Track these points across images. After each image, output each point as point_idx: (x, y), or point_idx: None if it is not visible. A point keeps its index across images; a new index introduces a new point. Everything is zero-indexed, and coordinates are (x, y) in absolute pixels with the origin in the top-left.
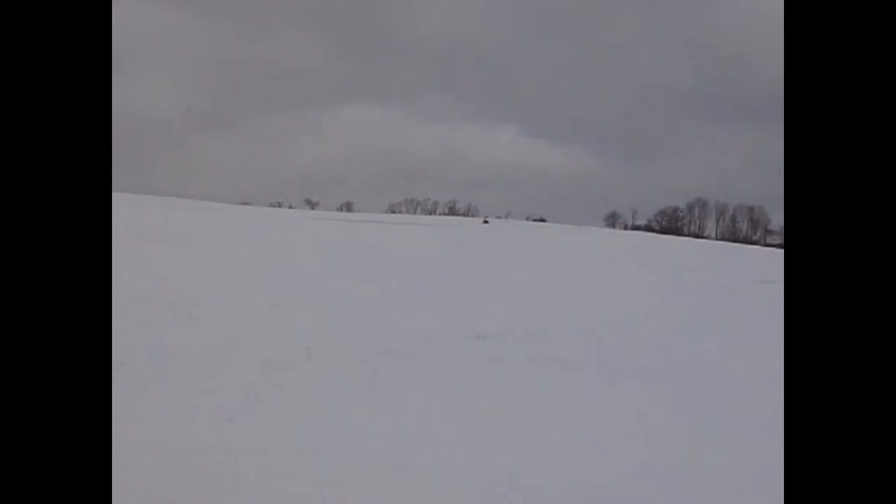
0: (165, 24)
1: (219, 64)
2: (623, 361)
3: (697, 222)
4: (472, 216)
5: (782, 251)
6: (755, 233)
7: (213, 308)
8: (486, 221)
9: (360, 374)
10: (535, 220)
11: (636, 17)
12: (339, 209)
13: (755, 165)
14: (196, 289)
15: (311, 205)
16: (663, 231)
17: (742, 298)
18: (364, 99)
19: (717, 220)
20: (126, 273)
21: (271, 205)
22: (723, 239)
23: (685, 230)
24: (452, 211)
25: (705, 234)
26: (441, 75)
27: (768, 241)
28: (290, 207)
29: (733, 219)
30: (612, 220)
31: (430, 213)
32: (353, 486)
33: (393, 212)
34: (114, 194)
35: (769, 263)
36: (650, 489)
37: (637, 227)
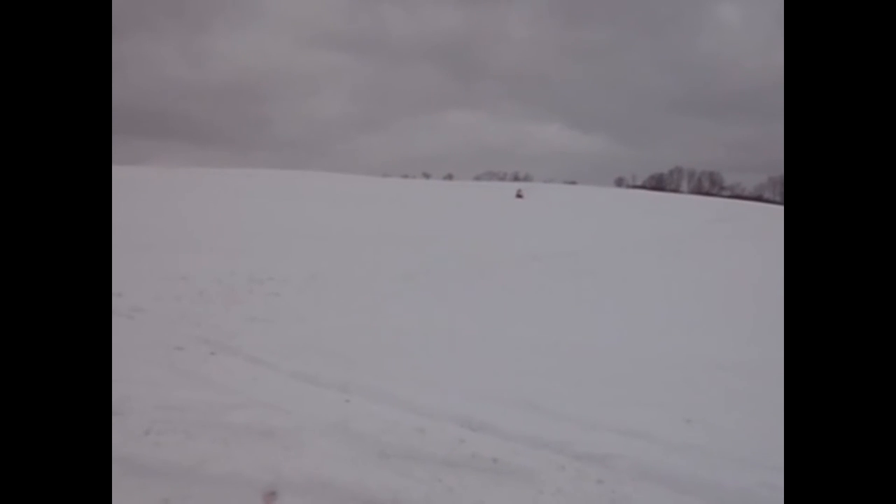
0: (341, 62)
1: (372, 86)
2: (627, 271)
3: (675, 182)
4: (529, 181)
5: (732, 200)
6: (714, 189)
7: (373, 241)
8: (519, 195)
9: (457, 280)
10: (569, 183)
11: (644, 44)
12: (444, 178)
13: (716, 144)
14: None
15: (426, 176)
16: (652, 189)
17: (703, 231)
18: (463, 107)
19: (688, 181)
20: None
21: (401, 176)
22: (692, 193)
23: (666, 188)
24: (516, 178)
25: (680, 191)
26: (513, 90)
27: (722, 194)
28: (412, 178)
29: (699, 180)
30: (619, 182)
31: (502, 181)
32: (455, 340)
33: (478, 180)
34: (306, 172)
35: (721, 209)
36: (639, 350)
37: (635, 187)
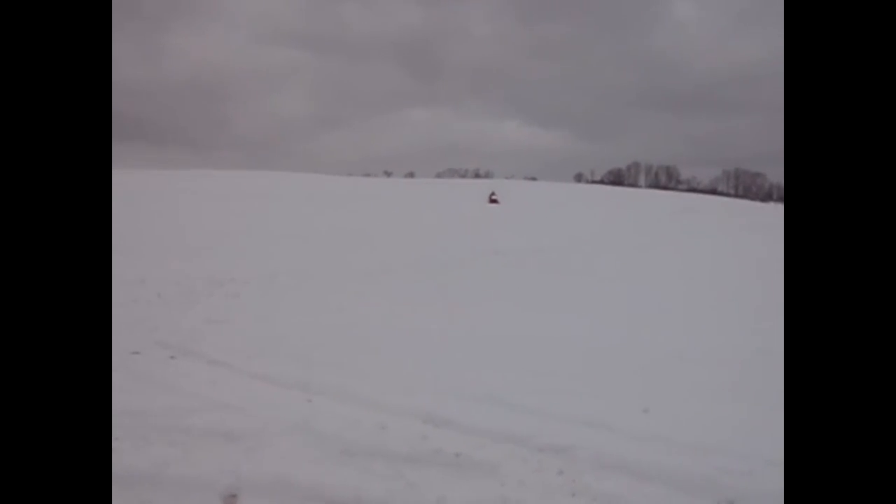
0: (300, 60)
1: (333, 84)
2: (590, 265)
3: (633, 177)
4: (490, 178)
5: (688, 194)
6: (671, 183)
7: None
8: (493, 200)
9: (420, 277)
10: (529, 179)
11: (602, 41)
12: (406, 176)
13: (673, 139)
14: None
15: (388, 174)
16: (611, 184)
17: (663, 223)
18: (424, 104)
19: (646, 175)
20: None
21: (363, 175)
22: (649, 188)
23: (625, 183)
24: (477, 175)
25: (638, 185)
26: (474, 87)
27: (678, 188)
28: (374, 176)
29: (656, 174)
30: (578, 178)
31: (463, 178)
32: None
33: (439, 177)
34: (266, 172)
35: (677, 202)
36: (601, 342)
37: (594, 182)
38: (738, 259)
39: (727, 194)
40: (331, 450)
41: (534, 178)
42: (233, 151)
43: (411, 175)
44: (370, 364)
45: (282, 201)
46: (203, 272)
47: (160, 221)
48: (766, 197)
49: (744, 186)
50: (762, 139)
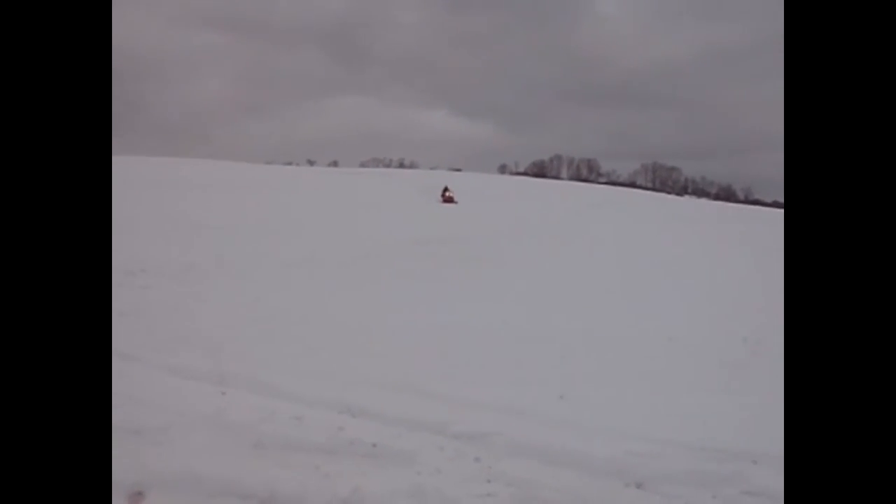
0: (221, 42)
1: (255, 69)
2: (512, 254)
3: (555, 169)
4: (415, 168)
5: (608, 187)
6: (591, 176)
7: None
8: (449, 199)
9: (340, 266)
10: (454, 170)
11: (527, 33)
12: (330, 165)
13: (594, 132)
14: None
15: (311, 163)
16: (534, 176)
17: (582, 215)
18: (350, 92)
19: (567, 168)
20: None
21: (284, 163)
22: (571, 180)
23: (547, 175)
24: (402, 165)
25: (560, 177)
26: (401, 75)
27: (599, 181)
28: (298, 165)
29: (578, 167)
30: (502, 169)
31: (388, 167)
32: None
33: (363, 166)
34: (184, 159)
35: (598, 195)
36: (520, 329)
37: (518, 174)
38: (653, 250)
39: (645, 187)
40: (244, 443)
41: (458, 170)
42: (149, 137)
43: (335, 164)
44: (287, 355)
45: (199, 189)
46: (113, 262)
47: None
48: (682, 190)
49: (660, 180)
50: (678, 134)
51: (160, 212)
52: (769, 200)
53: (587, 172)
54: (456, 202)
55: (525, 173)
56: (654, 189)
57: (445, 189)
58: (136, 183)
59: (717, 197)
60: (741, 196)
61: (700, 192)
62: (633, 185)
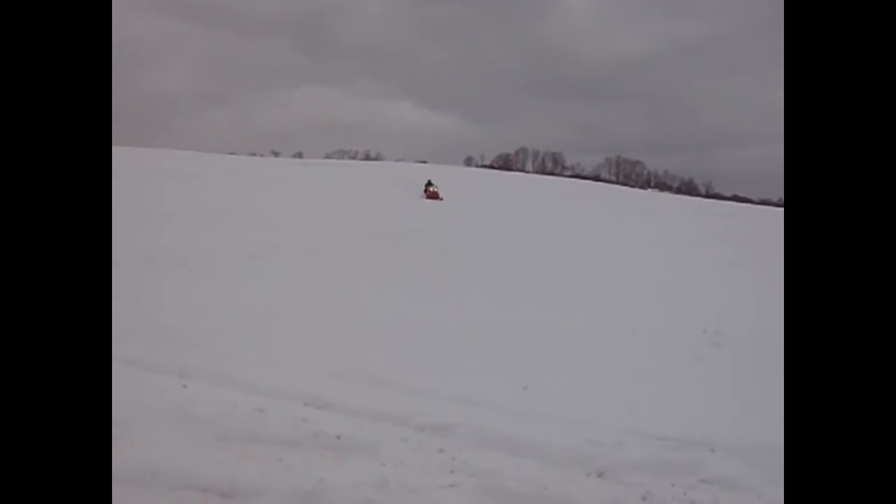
0: (183, 29)
1: (218, 58)
2: (475, 248)
3: (521, 162)
4: (381, 160)
5: (573, 180)
6: (557, 169)
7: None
8: (433, 195)
9: (305, 258)
10: (420, 162)
11: (494, 29)
12: (294, 156)
13: (559, 126)
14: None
15: (275, 154)
16: (499, 168)
17: (548, 208)
18: (315, 83)
19: (533, 161)
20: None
21: (248, 154)
22: (536, 173)
23: (513, 167)
24: (367, 157)
25: (525, 170)
26: (367, 66)
27: (564, 174)
28: (262, 156)
29: (543, 160)
30: (468, 162)
31: (353, 159)
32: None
33: (328, 157)
34: (144, 149)
35: (564, 188)
36: (486, 322)
37: (483, 166)
38: (618, 242)
39: (609, 181)
40: (205, 436)
41: (424, 161)
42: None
43: (300, 155)
44: (250, 347)
45: (162, 180)
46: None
47: None
48: (645, 184)
49: (624, 173)
50: (642, 128)
51: (120, 202)
52: (728, 194)
53: (552, 166)
54: (441, 198)
55: (491, 166)
56: (618, 182)
57: (429, 183)
58: None
59: (678, 191)
60: (702, 190)
61: (663, 186)
62: (597, 178)
